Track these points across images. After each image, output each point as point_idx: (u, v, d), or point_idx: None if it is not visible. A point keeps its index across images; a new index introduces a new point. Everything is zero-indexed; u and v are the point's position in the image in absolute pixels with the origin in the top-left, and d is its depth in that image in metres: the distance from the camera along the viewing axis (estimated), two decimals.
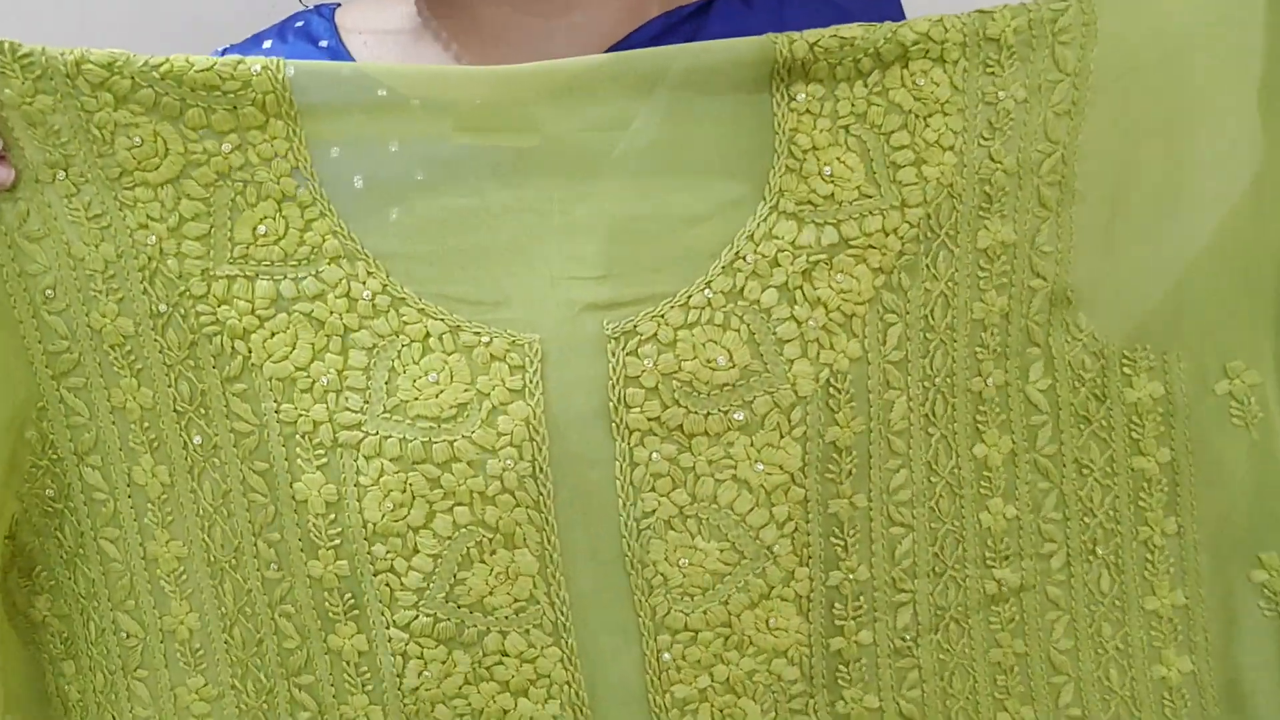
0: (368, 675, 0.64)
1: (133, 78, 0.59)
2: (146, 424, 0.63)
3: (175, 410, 0.63)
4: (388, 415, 0.61)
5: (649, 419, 0.61)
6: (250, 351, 0.62)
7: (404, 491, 0.61)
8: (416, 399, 0.61)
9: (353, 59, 0.70)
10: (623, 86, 0.61)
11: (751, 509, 0.63)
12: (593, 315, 0.61)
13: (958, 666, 0.67)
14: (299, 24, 0.73)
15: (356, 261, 0.61)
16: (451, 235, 0.61)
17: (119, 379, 0.63)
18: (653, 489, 0.62)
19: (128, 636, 0.66)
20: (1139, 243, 0.64)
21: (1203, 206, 0.64)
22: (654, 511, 0.62)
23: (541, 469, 0.61)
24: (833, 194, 0.62)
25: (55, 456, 0.64)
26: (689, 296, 0.62)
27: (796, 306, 0.62)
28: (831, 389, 0.62)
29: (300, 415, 0.61)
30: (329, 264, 0.61)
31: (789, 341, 0.62)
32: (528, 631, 0.63)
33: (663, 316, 0.61)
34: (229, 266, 0.61)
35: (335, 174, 0.61)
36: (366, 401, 0.61)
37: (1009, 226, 0.63)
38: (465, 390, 0.61)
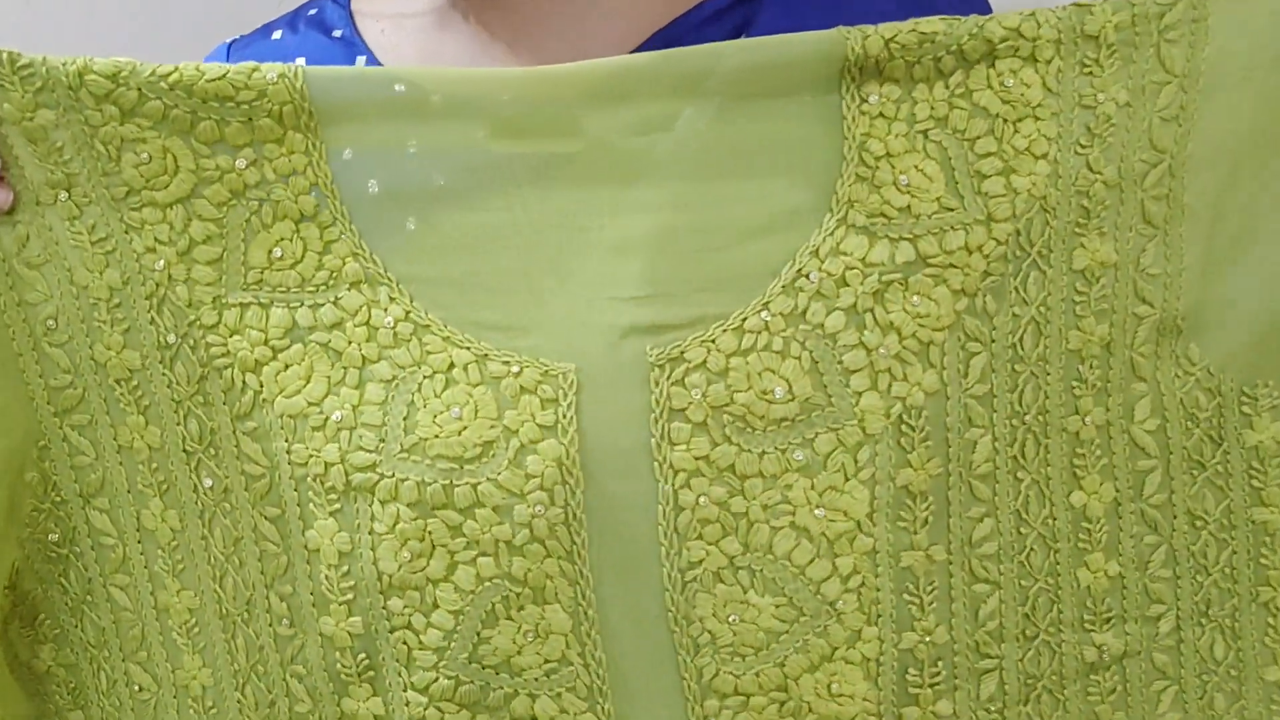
0: None
1: (140, 89, 0.56)
2: (155, 465, 0.59)
3: (184, 450, 0.59)
4: (405, 455, 0.56)
5: (696, 458, 0.56)
6: (262, 386, 0.57)
7: (422, 540, 0.56)
8: (436, 437, 0.55)
9: (368, 49, 0.66)
10: (668, 86, 0.56)
11: (812, 560, 0.57)
12: (635, 340, 0.56)
13: None
14: (312, 12, 0.69)
15: (379, 286, 0.57)
16: (481, 255, 0.57)
17: (125, 416, 0.59)
18: (700, 536, 0.56)
19: (140, 689, 0.62)
20: (1258, 265, 0.58)
21: None
22: (701, 562, 0.56)
23: (575, 515, 0.55)
24: (909, 206, 0.56)
25: (59, 499, 0.60)
26: (744, 319, 0.56)
27: (866, 332, 0.56)
28: (904, 426, 0.57)
29: (311, 456, 0.57)
30: (349, 289, 0.57)
31: (857, 371, 0.56)
32: (559, 695, 0.57)
33: (713, 342, 0.56)
34: (242, 293, 0.57)
35: (349, 180, 0.57)
36: (382, 440, 0.56)
37: (1109, 245, 0.57)
38: (491, 427, 0.55)
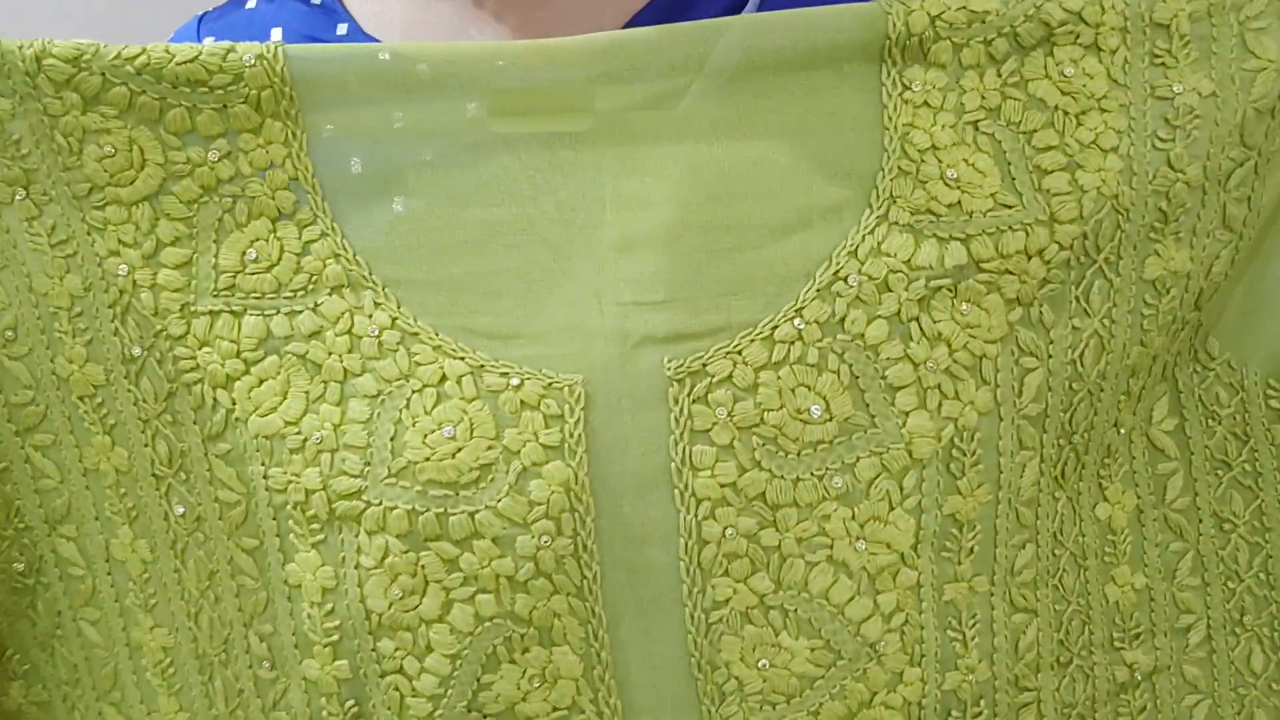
0: None
1: (103, 74, 0.51)
2: (123, 490, 0.54)
3: (154, 474, 0.53)
4: (393, 480, 0.50)
5: (722, 485, 0.50)
6: (234, 403, 0.51)
7: (414, 575, 0.50)
8: (428, 459, 0.50)
9: (350, 15, 0.60)
10: (678, 61, 0.51)
11: (851, 598, 0.51)
12: (650, 351, 0.50)
13: None
14: None
15: (363, 291, 0.51)
16: (476, 255, 0.51)
17: (90, 436, 0.53)
18: (726, 573, 0.50)
19: None
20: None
21: None
22: (727, 601, 0.50)
23: (585, 547, 0.50)
24: (960, 201, 0.51)
25: (23, 525, 0.55)
26: (773, 327, 0.50)
27: (912, 343, 0.50)
28: (955, 450, 0.50)
29: (290, 481, 0.51)
30: (330, 294, 0.51)
31: (903, 389, 0.51)
32: None
33: (739, 353, 0.50)
34: (212, 300, 0.52)
35: (330, 170, 0.52)
36: (367, 463, 0.50)
37: (1185, 253, 0.52)
38: (489, 447, 0.50)
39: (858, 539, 0.50)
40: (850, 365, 0.50)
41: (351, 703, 0.52)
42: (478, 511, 0.49)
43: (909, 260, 0.51)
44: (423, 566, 0.50)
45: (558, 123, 0.51)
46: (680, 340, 0.50)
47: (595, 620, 0.50)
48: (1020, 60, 0.51)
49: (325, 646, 0.52)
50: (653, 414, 0.50)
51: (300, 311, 0.51)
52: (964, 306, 0.51)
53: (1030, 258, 0.51)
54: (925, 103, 0.51)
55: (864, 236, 0.51)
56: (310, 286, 0.51)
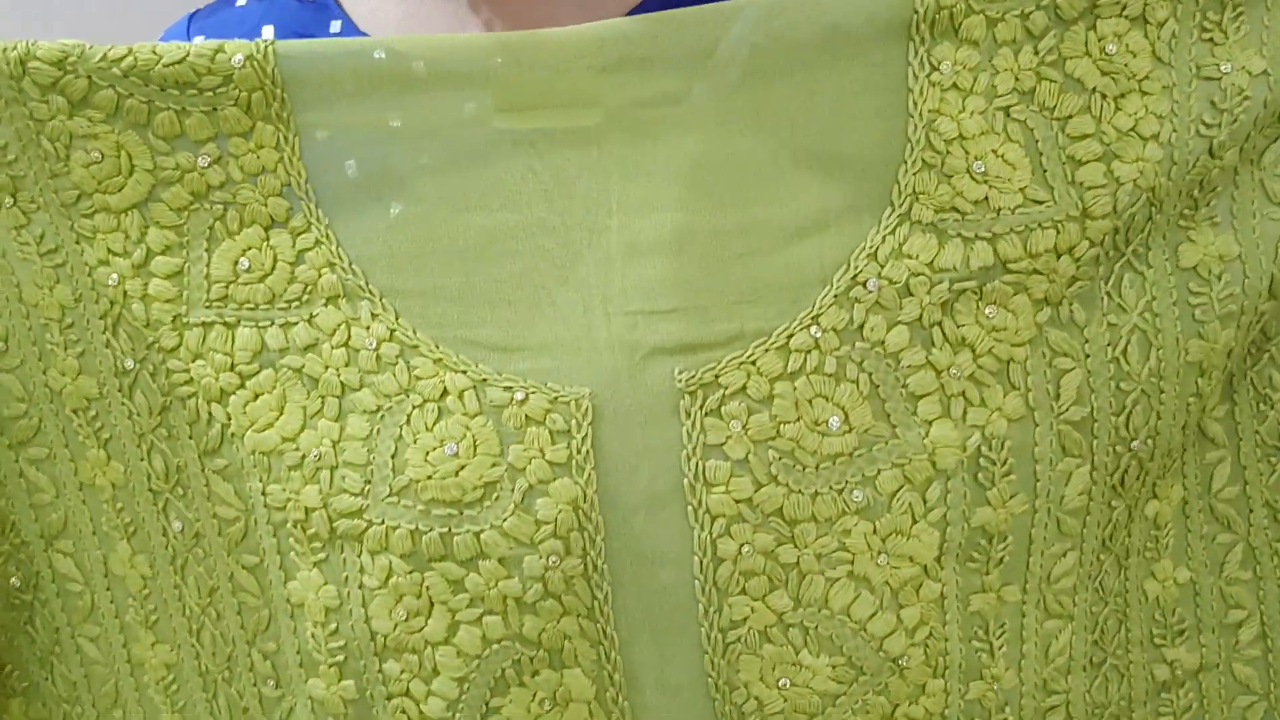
0: None
1: (90, 76, 0.49)
2: (120, 505, 0.53)
3: (150, 490, 0.52)
4: (394, 499, 0.48)
5: (737, 500, 0.48)
6: (229, 418, 0.50)
7: (419, 597, 0.48)
8: (430, 478, 0.48)
9: (344, 11, 0.58)
10: (685, 51, 0.48)
11: (874, 614, 0.49)
12: (660, 362, 0.48)
13: None
14: None
15: (359, 301, 0.49)
16: (477, 262, 0.49)
17: (85, 450, 0.52)
18: (743, 591, 0.48)
19: None
20: None
21: None
22: (745, 620, 0.49)
23: (596, 566, 0.48)
24: (987, 198, 0.48)
25: (19, 540, 0.54)
26: (789, 336, 0.48)
27: (935, 350, 0.48)
28: (983, 460, 0.48)
29: (290, 499, 0.49)
30: (326, 305, 0.50)
31: (925, 397, 0.49)
32: None
33: (753, 363, 0.48)
34: (204, 311, 0.50)
35: (325, 175, 0.50)
36: (368, 481, 0.49)
37: (1228, 236, 0.49)
38: (493, 465, 0.48)
39: (879, 553, 0.49)
40: (870, 374, 0.48)
41: None
42: (483, 531, 0.48)
43: (931, 262, 0.49)
44: (427, 587, 0.48)
45: (560, 118, 0.49)
46: (691, 350, 0.48)
47: (607, 642, 0.49)
48: (1060, 36, 0.49)
49: (330, 667, 0.50)
50: (664, 428, 0.48)
51: (295, 323, 0.50)
52: (989, 309, 0.49)
53: (1060, 256, 0.49)
54: (954, 85, 0.49)
55: (884, 237, 0.49)
56: (305, 297, 0.50)
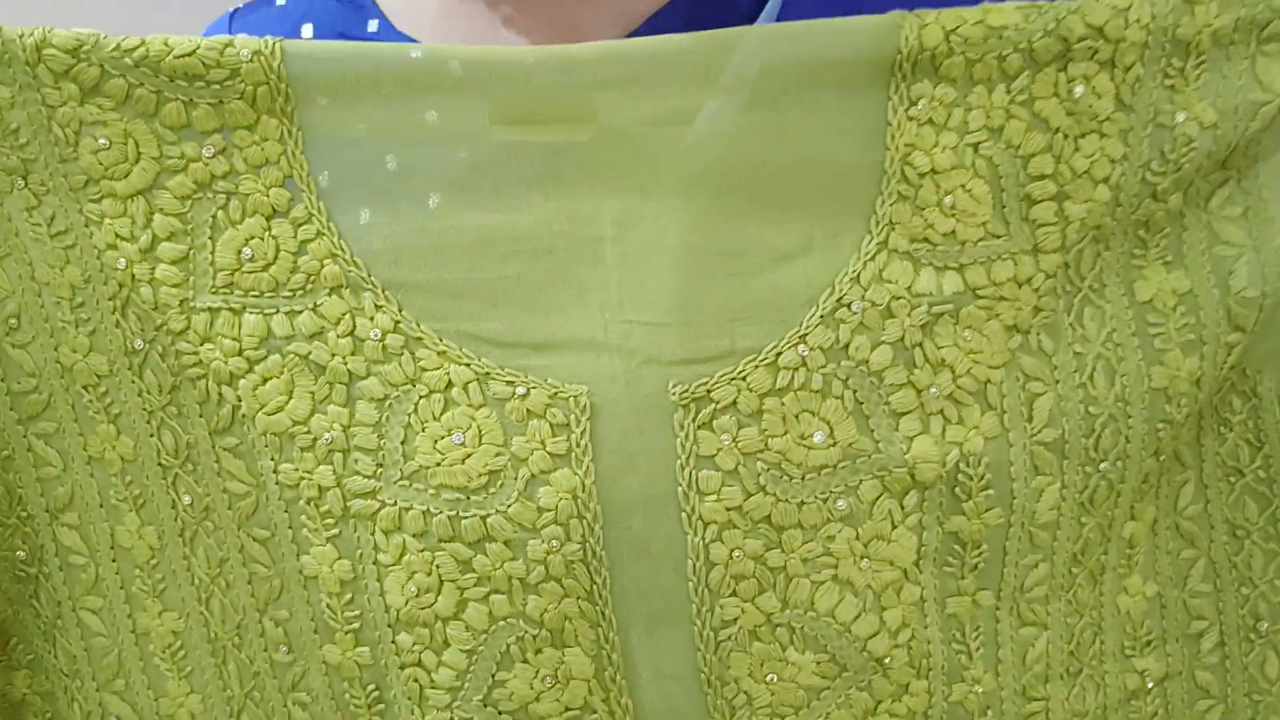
0: None
1: (102, 65, 0.50)
2: (129, 478, 0.54)
3: (160, 464, 0.53)
4: (406, 482, 0.50)
5: (728, 509, 0.50)
6: (240, 400, 0.51)
7: (429, 574, 0.51)
8: (439, 464, 0.50)
9: (380, 11, 0.59)
10: (690, 73, 0.49)
11: (858, 615, 0.52)
12: (655, 372, 0.50)
13: None
14: None
15: (362, 292, 0.50)
16: (478, 261, 0.51)
17: (95, 425, 0.53)
18: (734, 593, 0.51)
19: None
20: None
21: None
22: (736, 620, 0.51)
23: (594, 553, 0.50)
24: (954, 231, 0.50)
25: (25, 514, 0.55)
26: (778, 354, 0.50)
27: (916, 370, 0.50)
28: (961, 475, 0.51)
29: (303, 478, 0.51)
30: (329, 295, 0.51)
31: (906, 414, 0.51)
32: None
33: (744, 379, 0.50)
34: (211, 297, 0.51)
35: (328, 171, 0.51)
36: (380, 465, 0.50)
37: (1179, 274, 0.52)
38: (497, 454, 0.50)
39: (862, 558, 0.51)
40: (854, 391, 0.50)
41: (373, 687, 0.53)
42: (489, 516, 0.50)
43: (910, 287, 0.50)
44: (438, 566, 0.50)
45: (559, 132, 0.50)
46: (685, 364, 0.50)
47: (605, 623, 0.51)
48: (1032, 77, 0.50)
49: (347, 634, 0.52)
50: (658, 435, 0.50)
51: (300, 311, 0.51)
52: (966, 333, 0.50)
53: (1020, 286, 0.51)
54: (930, 120, 0.50)
55: (865, 263, 0.50)
56: (309, 286, 0.51)
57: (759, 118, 0.50)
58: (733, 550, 0.50)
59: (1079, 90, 0.50)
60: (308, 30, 0.59)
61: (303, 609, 0.53)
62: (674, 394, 0.50)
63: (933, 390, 0.50)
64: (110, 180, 0.51)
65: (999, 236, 0.50)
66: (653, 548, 0.50)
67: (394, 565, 0.51)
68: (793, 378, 0.50)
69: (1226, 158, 0.51)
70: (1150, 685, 0.57)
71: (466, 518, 0.50)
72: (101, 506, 0.54)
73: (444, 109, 0.50)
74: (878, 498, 0.50)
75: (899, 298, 0.50)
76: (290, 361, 0.51)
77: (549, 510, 0.49)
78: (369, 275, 0.51)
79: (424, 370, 0.50)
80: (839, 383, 0.50)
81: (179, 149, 0.50)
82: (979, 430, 0.51)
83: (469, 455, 0.50)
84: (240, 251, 0.51)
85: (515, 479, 0.50)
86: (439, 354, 0.50)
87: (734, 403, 0.50)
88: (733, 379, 0.50)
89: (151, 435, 0.53)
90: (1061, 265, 0.51)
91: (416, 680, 0.52)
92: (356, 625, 0.52)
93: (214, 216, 0.51)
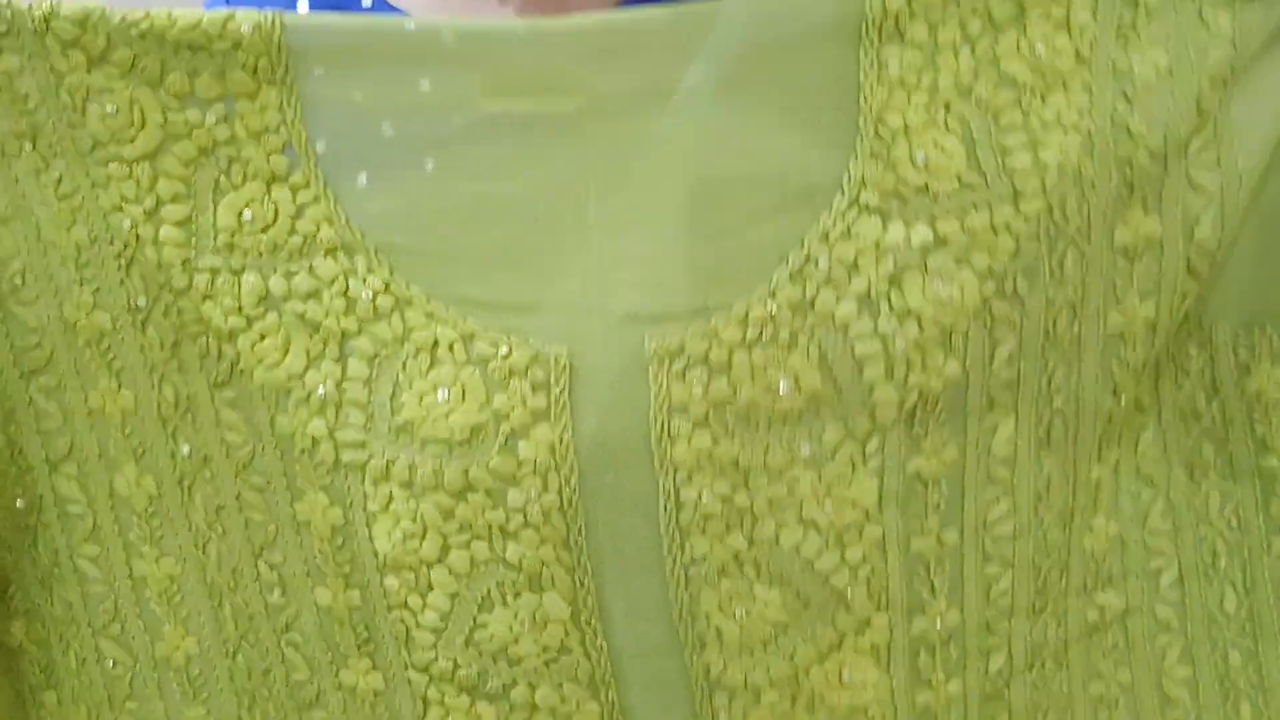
0: (386, 717, 0.57)
1: (108, 35, 0.52)
2: (129, 430, 0.56)
3: (160, 416, 0.56)
4: (393, 436, 0.53)
5: (698, 453, 0.53)
6: (239, 355, 0.54)
7: (415, 521, 0.53)
8: (425, 419, 0.53)
9: None
10: (669, 45, 0.52)
11: (820, 552, 0.54)
12: (632, 329, 0.53)
13: (1052, 706, 0.60)
14: None
15: (355, 255, 0.53)
16: (466, 226, 0.53)
17: (97, 380, 0.56)
18: (703, 532, 0.53)
19: (114, 665, 0.59)
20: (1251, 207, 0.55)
21: None
22: (705, 557, 0.54)
23: (570, 502, 0.53)
24: (926, 185, 0.53)
25: (25, 465, 0.57)
26: (748, 309, 0.53)
27: (881, 320, 0.53)
28: (919, 413, 0.54)
29: (298, 430, 0.54)
30: (324, 257, 0.53)
31: (870, 361, 0.53)
32: (561, 685, 0.55)
33: (715, 334, 0.53)
34: (212, 257, 0.54)
35: (325, 139, 0.53)
36: (370, 418, 0.53)
37: (1154, 219, 0.54)
38: (479, 411, 0.52)
39: (825, 499, 0.54)
40: (820, 343, 0.53)
41: (362, 629, 0.56)
42: (471, 468, 0.52)
43: (878, 242, 0.52)
44: (422, 514, 0.53)
45: (549, 103, 0.53)
46: (661, 320, 0.52)
47: (581, 568, 0.54)
48: (994, 39, 0.53)
49: (338, 578, 0.55)
50: (633, 388, 0.53)
51: (296, 272, 0.53)
52: (935, 283, 0.53)
53: (997, 233, 0.53)
54: (901, 82, 0.52)
55: (835, 220, 0.53)
56: (305, 249, 0.53)
57: (738, 85, 0.52)
58: (701, 491, 0.53)
59: (1040, 49, 0.53)
60: (304, 4, 0.61)
61: (296, 554, 0.56)
62: (649, 347, 0.52)
63: (898, 339, 0.53)
64: (117, 145, 0.53)
65: (973, 187, 0.53)
66: (626, 495, 0.53)
67: (381, 513, 0.53)
68: (761, 332, 0.52)
69: (1200, 101, 0.53)
70: (1110, 620, 0.59)
71: (450, 469, 0.53)
72: (101, 457, 0.57)
73: (437, 79, 0.52)
74: (840, 442, 0.53)
75: (865, 253, 0.53)
76: (287, 320, 0.53)
77: (527, 463, 0.52)
78: (363, 239, 0.53)
79: (412, 330, 0.53)
80: (805, 336, 0.52)
81: (183, 115, 0.53)
82: (941, 375, 0.54)
83: (453, 411, 0.52)
84: (241, 214, 0.53)
85: (496, 434, 0.52)
86: (427, 315, 0.53)
87: (706, 356, 0.52)
88: (705, 333, 0.52)
89: (152, 389, 0.55)
90: (1045, 209, 0.53)
91: (403, 621, 0.55)
92: (347, 569, 0.55)
93: (216, 181, 0.53)
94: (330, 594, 0.56)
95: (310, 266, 0.53)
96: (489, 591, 0.54)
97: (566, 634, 0.54)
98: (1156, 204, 0.54)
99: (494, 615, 0.54)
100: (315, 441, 0.54)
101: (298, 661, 0.58)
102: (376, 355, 0.53)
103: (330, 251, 0.53)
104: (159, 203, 0.53)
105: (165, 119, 0.53)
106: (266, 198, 0.53)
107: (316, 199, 0.53)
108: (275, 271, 0.53)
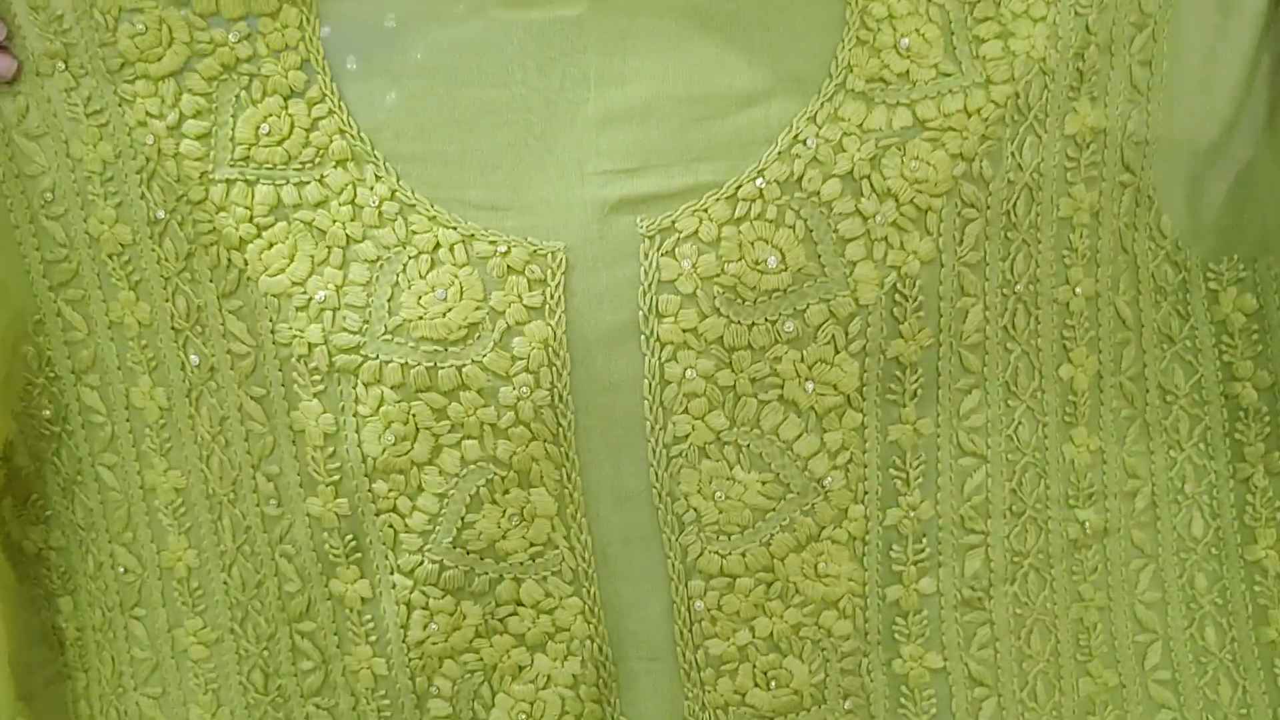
0: (371, 625, 0.58)
1: None
2: (144, 341, 0.59)
3: (173, 328, 0.58)
4: (389, 337, 0.55)
5: (684, 330, 0.54)
6: (246, 264, 0.56)
7: (406, 423, 0.55)
8: (421, 318, 0.54)
9: None
10: None
11: (800, 435, 0.55)
12: (626, 214, 0.54)
13: (1036, 623, 0.60)
14: None
15: (365, 165, 0.56)
16: (471, 132, 0.55)
17: (117, 292, 0.58)
18: (686, 410, 0.55)
19: (125, 571, 0.61)
20: (1223, 135, 0.57)
21: None
22: (687, 437, 0.55)
23: (561, 397, 0.54)
24: (908, 71, 0.55)
25: (53, 374, 0.60)
26: (738, 187, 0.54)
27: (863, 199, 0.54)
28: (898, 295, 0.55)
29: (295, 336, 0.56)
30: (335, 167, 0.56)
31: (852, 240, 0.55)
32: (545, 579, 0.56)
33: (705, 211, 0.54)
34: (229, 169, 0.56)
35: (335, 56, 0.56)
36: (366, 321, 0.55)
37: (1100, 110, 0.56)
38: (477, 308, 0.54)
39: (806, 380, 0.55)
40: (805, 220, 0.54)
41: (350, 537, 0.57)
42: (464, 365, 0.54)
43: (861, 124, 0.54)
44: (414, 415, 0.55)
45: (549, 7, 0.55)
46: (653, 202, 0.54)
47: (569, 464, 0.55)
48: None
49: (328, 486, 0.57)
50: (625, 269, 0.54)
51: (308, 182, 0.56)
52: (912, 163, 0.54)
53: (970, 116, 0.54)
54: None
55: (823, 104, 0.54)
56: (317, 159, 0.56)
57: None
58: (686, 369, 0.54)
59: None
60: None
61: (290, 464, 0.58)
62: (641, 227, 0.54)
63: (878, 218, 0.54)
64: (145, 63, 0.56)
65: (949, 74, 0.54)
66: (614, 377, 0.54)
67: (371, 416, 0.55)
68: (750, 208, 0.54)
69: (1141, 2, 0.55)
70: (1090, 539, 0.60)
71: (444, 368, 0.54)
72: (119, 369, 0.59)
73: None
74: (823, 322, 0.54)
75: (850, 134, 0.54)
76: (295, 227, 0.56)
77: (521, 359, 0.54)
78: (372, 149, 0.55)
79: (415, 233, 0.55)
80: (792, 213, 0.54)
81: (208, 34, 0.56)
82: (917, 254, 0.55)
83: (450, 310, 0.54)
84: (258, 128, 0.56)
85: (492, 330, 0.54)
86: (429, 219, 0.55)
87: (695, 232, 0.54)
88: (695, 210, 0.54)
89: (166, 300, 0.58)
90: (1012, 95, 0.54)
91: (391, 525, 0.56)
92: (337, 477, 0.56)
93: (237, 96, 0.56)
94: (320, 503, 0.57)
95: (321, 176, 0.56)
96: (478, 490, 0.55)
97: (552, 529, 0.56)
98: (1103, 96, 0.56)
99: (482, 514, 0.55)
100: (311, 348, 0.55)
101: (290, 572, 0.59)
102: (378, 259, 0.55)
103: (341, 162, 0.56)
104: (181, 118, 0.56)
105: (191, 37, 0.56)
106: (284, 112, 0.56)
107: (331, 112, 0.56)
108: (288, 182, 0.56)
